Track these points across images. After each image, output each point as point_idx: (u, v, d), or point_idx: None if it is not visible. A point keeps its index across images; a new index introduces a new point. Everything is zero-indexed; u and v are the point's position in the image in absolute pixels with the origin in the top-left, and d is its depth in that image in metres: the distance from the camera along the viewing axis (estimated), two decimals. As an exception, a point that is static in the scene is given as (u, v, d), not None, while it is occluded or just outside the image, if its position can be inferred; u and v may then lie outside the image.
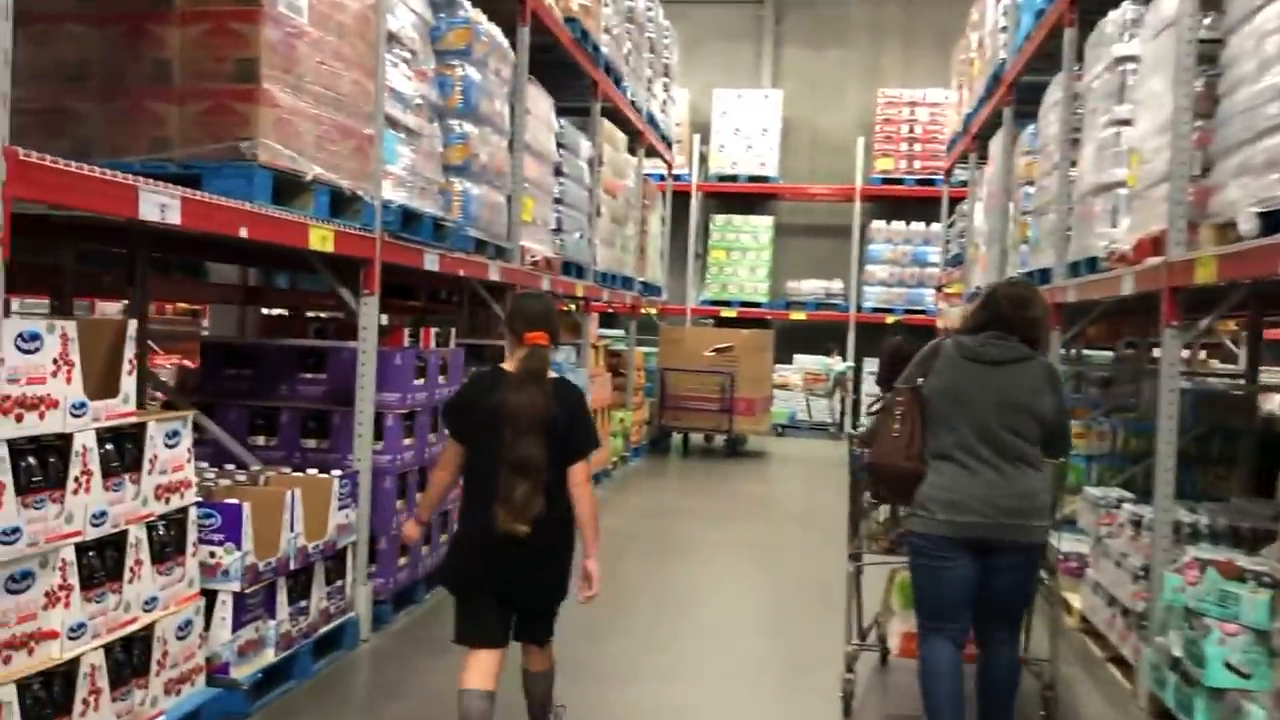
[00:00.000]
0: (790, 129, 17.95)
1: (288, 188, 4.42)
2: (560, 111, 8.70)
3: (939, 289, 15.69)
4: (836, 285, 17.55)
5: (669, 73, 13.53)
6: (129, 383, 3.53)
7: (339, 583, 4.95)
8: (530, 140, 7.71)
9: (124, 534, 3.50)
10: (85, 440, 3.29)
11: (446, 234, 6.05)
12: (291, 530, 4.43)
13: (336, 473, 4.91)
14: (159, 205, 3.47)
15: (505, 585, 3.51)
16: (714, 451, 13.74)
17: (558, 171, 8.62)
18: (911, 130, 17.32)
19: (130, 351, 3.54)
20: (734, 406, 13.01)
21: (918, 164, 17.27)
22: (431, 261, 5.79)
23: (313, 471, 4.92)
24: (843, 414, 16.88)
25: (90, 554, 3.35)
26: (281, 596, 4.41)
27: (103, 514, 3.38)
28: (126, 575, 3.50)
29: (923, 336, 17.02)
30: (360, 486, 5.12)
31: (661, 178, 15.00)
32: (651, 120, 12.40)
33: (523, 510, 3.38)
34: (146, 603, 3.62)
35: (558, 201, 8.66)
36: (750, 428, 13.29)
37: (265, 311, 7.70)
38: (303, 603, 4.61)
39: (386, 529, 5.39)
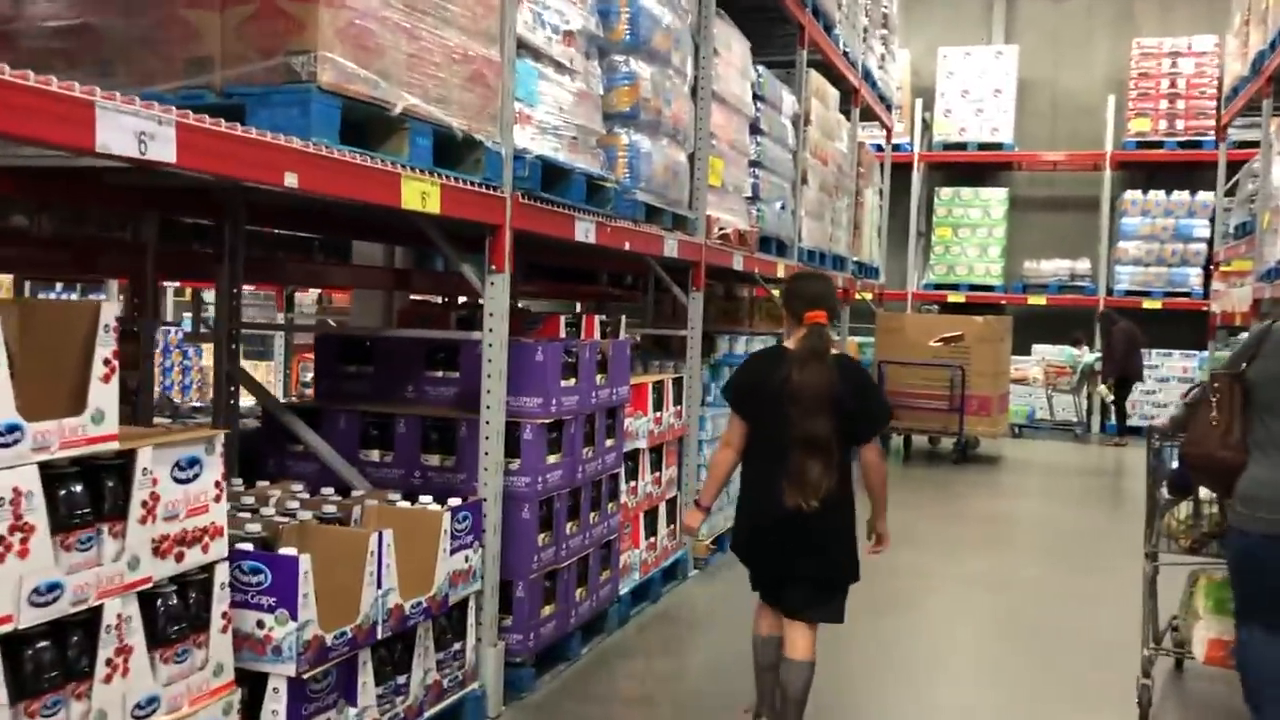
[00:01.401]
0: (1027, 89, 15.93)
1: (370, 125, 3.29)
2: (758, 65, 7.35)
3: (1214, 266, 13.43)
4: (1082, 265, 15.44)
5: (888, 24, 11.91)
6: (102, 395, 2.44)
7: (456, 646, 3.80)
8: (720, 88, 6.39)
9: (96, 611, 2.42)
10: (15, 481, 2.22)
11: (606, 197, 4.83)
12: (379, 586, 3.29)
13: (454, 502, 3.76)
14: (134, 134, 2.35)
15: (792, 560, 3.63)
16: (940, 456, 12.07)
17: (754, 129, 7.27)
18: (1173, 85, 15.01)
19: (105, 349, 2.45)
20: (965, 405, 11.32)
21: (1180, 124, 14.95)
22: (585, 230, 4.57)
23: (426, 500, 3.80)
24: (1089, 412, 14.81)
25: (33, 648, 2.28)
26: (365, 676, 3.28)
27: (55, 587, 2.31)
28: (101, 672, 2.43)
29: (1175, 321, 14.81)
30: (487, 518, 3.96)
31: (879, 147, 13.34)
32: (868, 76, 10.85)
33: (815, 488, 3.49)
34: (139, 707, 2.54)
35: (754, 165, 7.31)
36: (984, 430, 11.55)
37: (414, 298, 6.69)
38: (400, 679, 3.48)
39: (525, 571, 4.22)
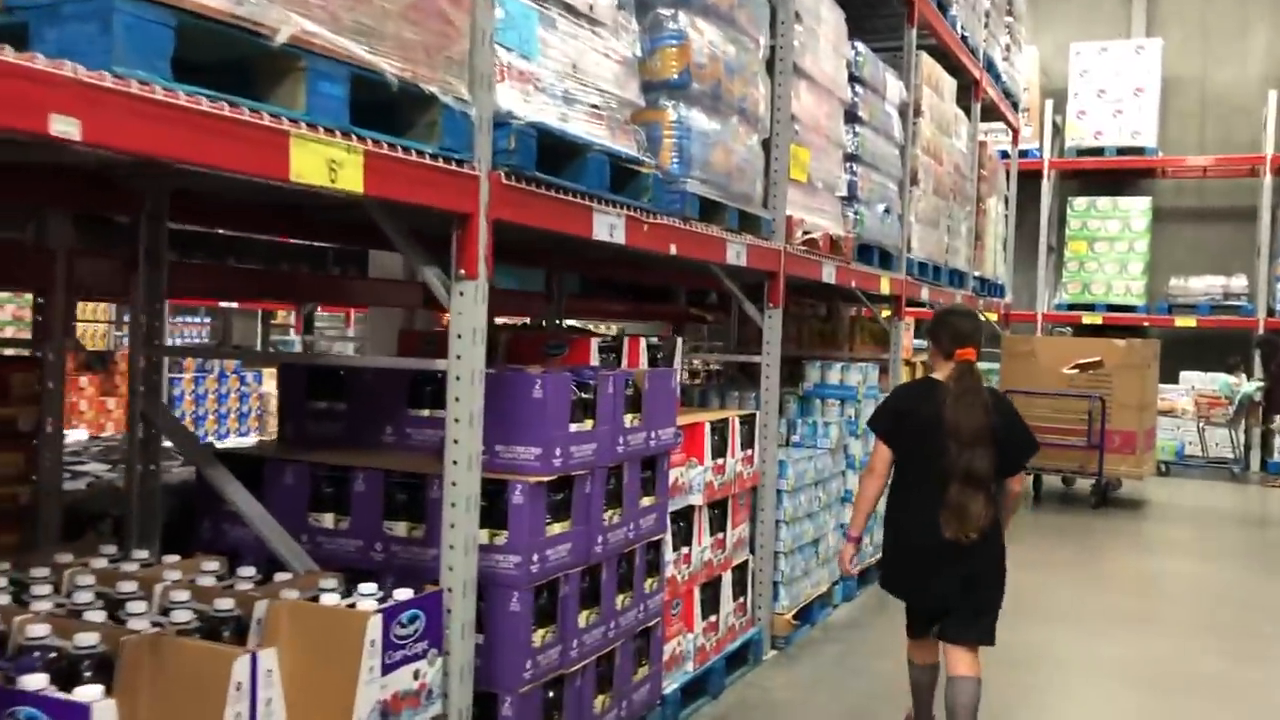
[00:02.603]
0: (1172, 88, 14.34)
1: (256, 67, 2.29)
2: (855, 43, 6.20)
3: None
4: (1238, 282, 13.73)
5: (1013, 10, 10.58)
6: None
7: (400, 798, 2.73)
8: (804, 63, 5.26)
9: None
10: None
11: (643, 186, 3.74)
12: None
13: (403, 594, 2.70)
14: None
15: (953, 589, 3.74)
16: (1075, 499, 10.60)
17: (851, 116, 6.10)
18: (1345, 78, 13.24)
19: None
20: (1105, 441, 9.86)
21: (1356, 121, 13.15)
22: (608, 226, 3.49)
23: (368, 591, 2.74)
24: (1248, 448, 13.09)
25: None
26: None
27: None
28: None
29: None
30: (453, 616, 2.90)
31: (1005, 154, 11.95)
32: (990, 68, 9.54)
33: (976, 520, 3.64)
34: None
35: (851, 159, 6.14)
36: (1127, 470, 10.05)
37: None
38: None
39: (513, 681, 3.14)
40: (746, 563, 4.91)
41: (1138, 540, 8.91)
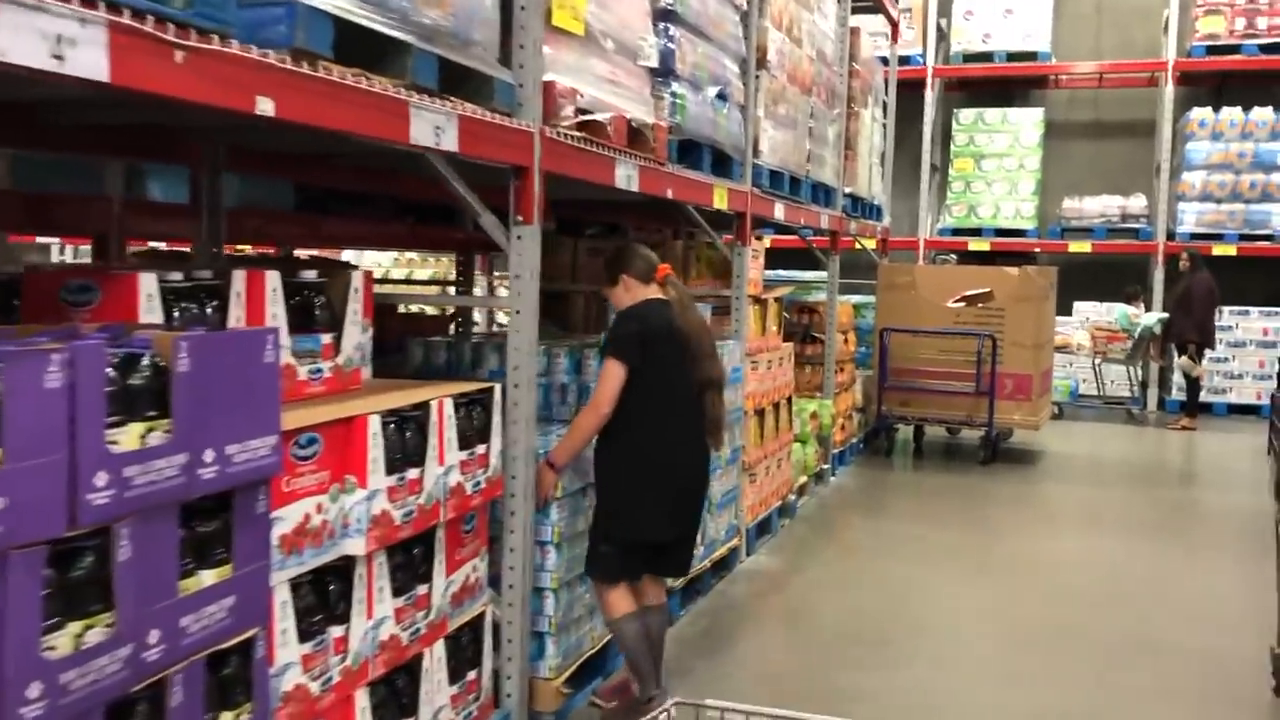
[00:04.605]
0: (1068, -15, 12.91)
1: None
2: None
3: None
4: (1136, 203, 12.48)
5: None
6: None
7: None
8: None
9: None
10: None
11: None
12: None
13: None
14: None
15: (697, 510, 3.67)
16: (960, 453, 9.20)
17: (663, -45, 4.34)
18: (1254, -25, 11.93)
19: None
20: (996, 386, 8.44)
21: (1263, 22, 11.89)
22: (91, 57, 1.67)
23: None
24: (1144, 385, 11.94)
25: None
26: None
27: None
28: None
29: (1252, 271, 11.80)
30: None
31: (885, 61, 10.27)
32: (864, -62, 7.84)
33: (723, 427, 3.66)
34: None
35: (666, 17, 4.37)
36: (1022, 418, 8.64)
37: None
38: None
39: None
40: (483, 616, 3.20)
41: (1039, 508, 7.50)
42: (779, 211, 6.06)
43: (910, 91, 12.46)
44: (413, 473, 2.74)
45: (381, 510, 2.60)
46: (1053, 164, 12.88)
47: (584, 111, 3.56)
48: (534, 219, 3.27)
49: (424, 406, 2.81)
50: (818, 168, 6.94)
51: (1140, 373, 11.84)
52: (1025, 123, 12.73)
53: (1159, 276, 12.01)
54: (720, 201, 5.04)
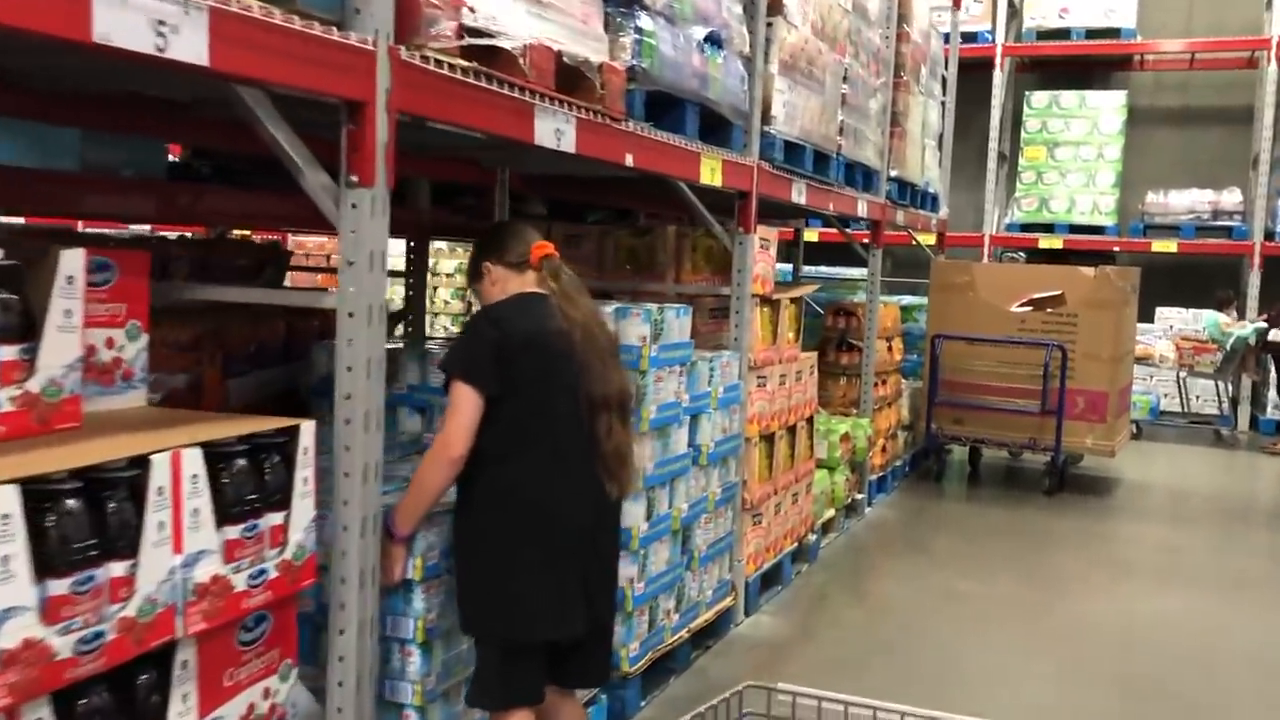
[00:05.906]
0: (1156, -46, 11.59)
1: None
2: None
3: None
4: (1230, 198, 11.13)
5: None
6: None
7: None
8: None
9: None
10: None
11: None
12: None
13: None
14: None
15: (600, 590, 2.62)
16: (1023, 479, 8.01)
17: None
18: (1372, -60, 10.54)
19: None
20: (1065, 405, 7.25)
21: (1383, -5, 10.47)
22: None
23: None
24: (1235, 402, 10.62)
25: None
26: None
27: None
28: None
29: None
30: None
31: (946, 38, 9.07)
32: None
33: (628, 463, 2.62)
34: None
35: (628, -71, 3.33)
36: (1095, 442, 7.43)
37: None
38: None
39: None
40: (289, 760, 2.19)
41: (1114, 550, 6.31)
42: (798, 193, 4.96)
43: (976, 72, 11.25)
44: (113, 569, 1.73)
45: (24, 640, 1.59)
46: (1135, 154, 11.57)
47: (475, 33, 2.53)
48: (375, 179, 2.24)
49: (143, 463, 1.80)
50: (854, 144, 5.84)
51: (1231, 388, 10.51)
52: (1105, 107, 11.43)
53: (1254, 281, 10.67)
54: (712, 176, 3.97)
